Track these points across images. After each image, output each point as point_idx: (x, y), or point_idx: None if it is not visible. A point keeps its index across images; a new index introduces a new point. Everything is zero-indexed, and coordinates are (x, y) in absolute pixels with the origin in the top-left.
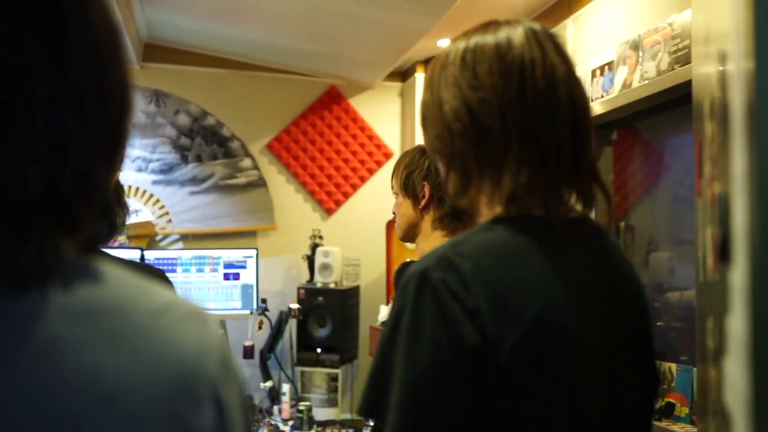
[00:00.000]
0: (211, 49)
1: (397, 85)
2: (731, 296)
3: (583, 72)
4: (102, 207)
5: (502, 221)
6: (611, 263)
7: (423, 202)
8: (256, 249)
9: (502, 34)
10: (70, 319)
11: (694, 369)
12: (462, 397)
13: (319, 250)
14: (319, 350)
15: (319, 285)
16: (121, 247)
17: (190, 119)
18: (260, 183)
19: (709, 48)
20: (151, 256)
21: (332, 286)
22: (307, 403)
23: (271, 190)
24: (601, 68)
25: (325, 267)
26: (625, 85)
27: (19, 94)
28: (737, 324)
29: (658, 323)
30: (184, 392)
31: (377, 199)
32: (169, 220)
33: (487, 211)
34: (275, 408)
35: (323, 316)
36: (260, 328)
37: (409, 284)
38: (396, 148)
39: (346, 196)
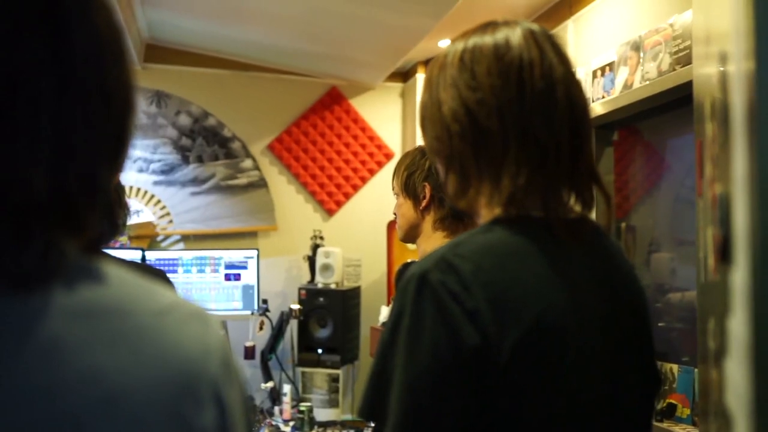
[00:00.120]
0: (212, 50)
1: (398, 86)
2: (732, 297)
3: (584, 73)
4: (104, 208)
5: (502, 222)
6: (611, 264)
7: (424, 203)
8: (257, 249)
9: (501, 35)
10: (72, 319)
11: (696, 370)
12: (462, 397)
13: (320, 250)
14: (320, 351)
15: (320, 286)
16: (122, 247)
17: (191, 120)
18: (261, 184)
19: (710, 48)
20: (152, 256)
21: (333, 286)
22: (308, 404)
23: (272, 190)
24: (602, 69)
25: (326, 268)
26: (626, 86)
27: (19, 94)
28: (738, 325)
29: (660, 324)
30: (185, 392)
31: (378, 199)
32: (170, 221)
33: (486, 212)
34: (276, 409)
35: (324, 316)
36: (261, 328)
37: (409, 286)
38: (397, 149)
39: (347, 196)
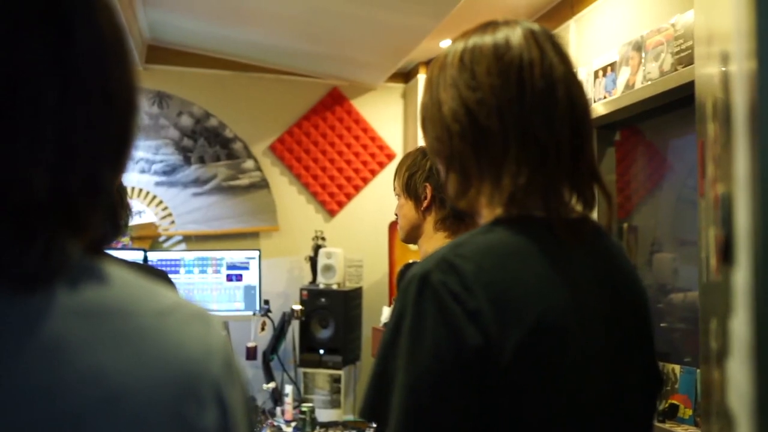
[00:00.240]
0: (213, 51)
1: (399, 87)
2: (734, 297)
3: (585, 73)
4: (107, 208)
5: (503, 222)
6: (612, 264)
7: (425, 204)
8: (259, 250)
9: (501, 35)
10: (73, 319)
11: (698, 370)
12: (464, 398)
13: (321, 251)
14: (321, 351)
15: (321, 286)
16: (124, 248)
17: (193, 121)
18: (263, 184)
19: (712, 49)
20: (154, 257)
21: (335, 287)
22: (310, 405)
23: (274, 191)
24: (604, 69)
25: (328, 268)
26: (628, 86)
27: (19, 94)
28: (740, 325)
29: (662, 324)
30: (187, 393)
31: (380, 200)
32: (172, 222)
33: (487, 212)
34: (278, 409)
35: (326, 317)
36: (263, 329)
37: (410, 286)
38: (399, 150)
39: (349, 197)
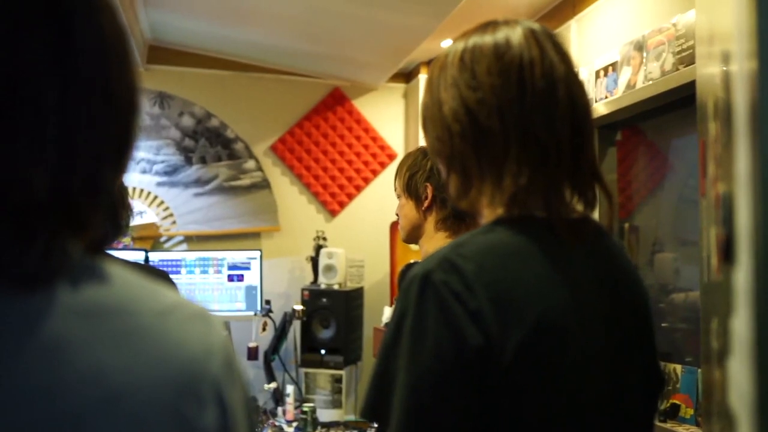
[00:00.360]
0: (214, 51)
1: (400, 87)
2: (735, 297)
3: (587, 73)
4: (108, 208)
5: (504, 222)
6: (613, 264)
7: (426, 204)
8: (260, 250)
9: (501, 34)
10: (73, 318)
11: (699, 370)
12: (465, 398)
13: (323, 251)
14: (323, 351)
15: (323, 286)
16: (125, 248)
17: (194, 121)
18: (264, 184)
19: (713, 48)
20: (155, 257)
21: (336, 287)
22: (311, 405)
23: (275, 191)
24: (605, 69)
25: (329, 268)
26: (629, 86)
27: (20, 93)
28: (741, 324)
29: (663, 324)
30: (187, 392)
31: (381, 200)
32: (174, 222)
33: (488, 212)
34: (279, 409)
35: (327, 317)
36: (264, 329)
37: (412, 286)
38: (400, 150)
39: (350, 197)
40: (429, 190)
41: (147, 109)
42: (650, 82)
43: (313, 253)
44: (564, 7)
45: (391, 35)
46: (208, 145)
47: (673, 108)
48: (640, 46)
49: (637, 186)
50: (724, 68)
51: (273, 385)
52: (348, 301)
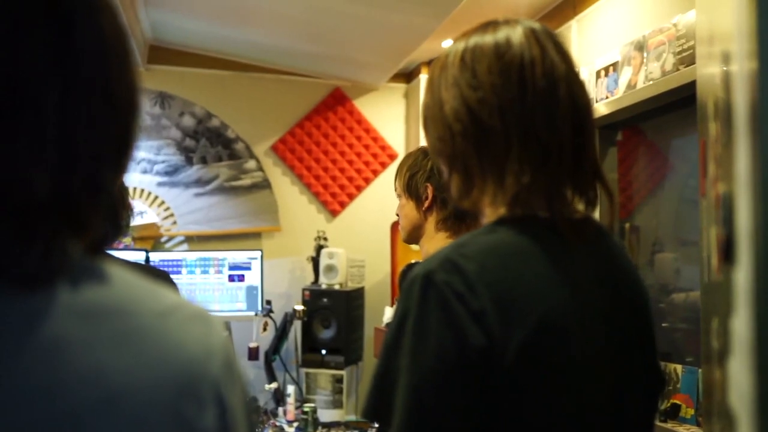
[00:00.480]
0: (215, 51)
1: (401, 87)
2: (736, 297)
3: (587, 73)
4: (108, 209)
5: (506, 222)
6: (614, 264)
7: (426, 204)
8: (261, 250)
9: (501, 34)
10: (73, 319)
11: (699, 370)
12: (467, 398)
13: (323, 251)
14: (323, 352)
15: (323, 286)
16: (126, 248)
17: (195, 121)
18: (265, 184)
19: (713, 48)
20: (155, 257)
21: (337, 287)
22: (312, 405)
23: (276, 191)
24: (606, 69)
25: (330, 268)
26: (630, 86)
27: (20, 94)
28: (742, 324)
29: (664, 324)
30: (187, 393)
31: (382, 200)
32: (174, 222)
33: (490, 212)
34: (280, 409)
35: (328, 317)
36: (265, 329)
37: (414, 286)
38: (400, 150)
39: (351, 197)
40: (429, 191)
41: (147, 109)
42: (651, 83)
43: (313, 253)
44: (564, 7)
45: (391, 35)
46: (208, 145)
47: (674, 108)
48: (640, 47)
49: (638, 186)
50: (725, 68)
51: (274, 385)
52: (349, 301)
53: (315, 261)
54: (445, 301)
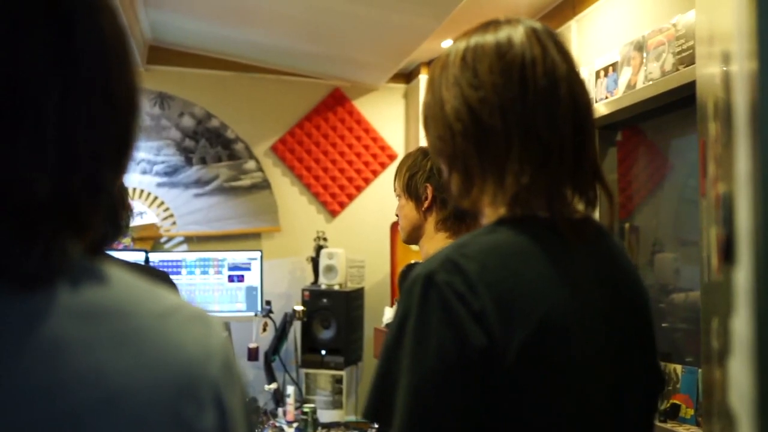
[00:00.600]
0: (215, 51)
1: (401, 87)
2: (735, 297)
3: (587, 73)
4: (108, 209)
5: (506, 222)
6: (614, 264)
7: (426, 204)
8: (261, 251)
9: (503, 33)
10: (73, 319)
11: (699, 370)
12: (467, 398)
13: (323, 251)
14: (323, 352)
15: (323, 287)
16: (125, 249)
17: (195, 121)
18: (264, 185)
19: (713, 48)
20: (155, 258)
21: (337, 287)
22: (312, 405)
23: (276, 192)
24: (606, 69)
25: (330, 269)
26: (630, 86)
27: (20, 94)
28: (742, 324)
29: (663, 324)
30: (186, 394)
31: (381, 200)
32: (174, 222)
33: (490, 212)
34: (280, 410)
35: (328, 317)
36: (265, 330)
37: (414, 286)
38: (400, 150)
39: (351, 197)
40: (429, 191)
41: (147, 110)
42: (650, 83)
43: (313, 254)
44: (564, 8)
45: (391, 35)
46: (208, 146)
47: (674, 108)
48: (640, 47)
49: (638, 186)
50: (724, 68)
51: (273, 385)
52: (348, 301)
53: (315, 261)
54: (445, 301)
